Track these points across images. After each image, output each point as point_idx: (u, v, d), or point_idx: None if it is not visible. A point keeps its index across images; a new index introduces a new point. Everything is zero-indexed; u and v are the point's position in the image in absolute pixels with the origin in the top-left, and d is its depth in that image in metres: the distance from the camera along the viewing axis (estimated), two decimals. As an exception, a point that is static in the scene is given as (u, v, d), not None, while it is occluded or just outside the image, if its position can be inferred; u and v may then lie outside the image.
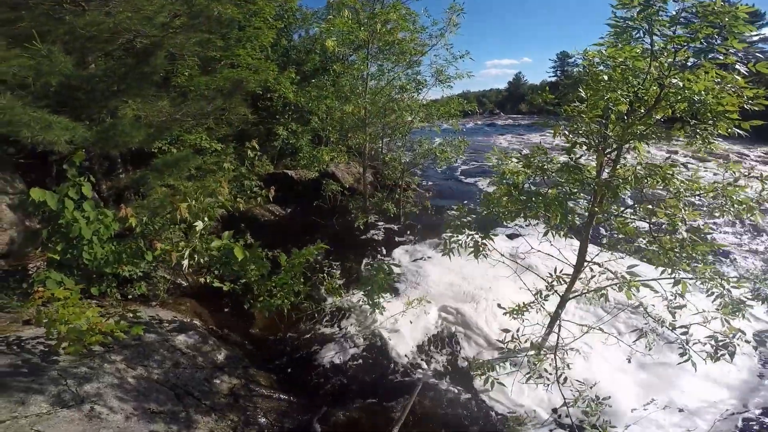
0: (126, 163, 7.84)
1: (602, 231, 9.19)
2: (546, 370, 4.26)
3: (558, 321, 4.68)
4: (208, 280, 5.75)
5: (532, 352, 4.33)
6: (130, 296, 5.33)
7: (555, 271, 4.50)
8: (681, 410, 4.57)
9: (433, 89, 10.06)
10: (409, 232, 9.95)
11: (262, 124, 11.80)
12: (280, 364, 5.31)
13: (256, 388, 4.54)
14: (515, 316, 4.64)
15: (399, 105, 9.33)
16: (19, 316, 4.25)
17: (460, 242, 4.41)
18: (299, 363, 5.35)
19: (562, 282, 4.50)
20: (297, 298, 5.54)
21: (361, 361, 5.39)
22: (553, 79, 60.19)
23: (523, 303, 4.75)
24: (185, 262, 5.30)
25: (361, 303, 6.18)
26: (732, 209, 3.44)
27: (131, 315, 4.50)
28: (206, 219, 5.70)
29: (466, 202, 4.76)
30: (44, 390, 3.18)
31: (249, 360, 5.08)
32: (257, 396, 4.39)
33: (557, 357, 4.23)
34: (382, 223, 10.25)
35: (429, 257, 8.38)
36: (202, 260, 5.62)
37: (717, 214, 3.60)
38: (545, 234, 4.24)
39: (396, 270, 6.35)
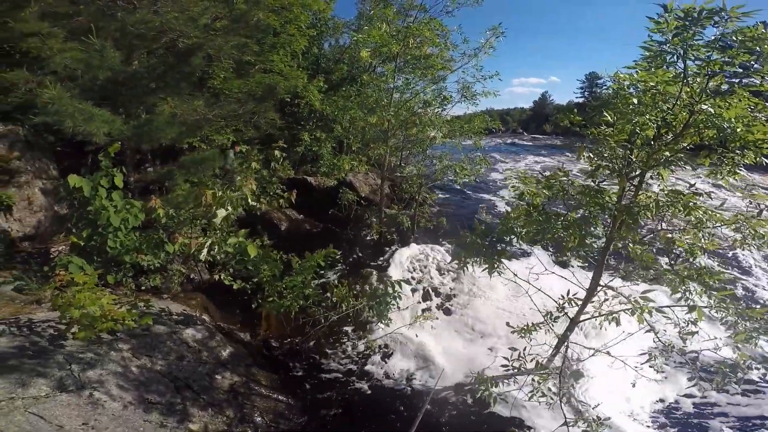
0: (155, 158, 8.14)
1: (616, 259, 8.89)
2: (550, 389, 4.14)
3: (566, 342, 4.54)
4: (222, 277, 5.84)
5: (538, 372, 4.22)
6: (143, 287, 5.46)
7: (567, 294, 4.39)
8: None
9: (457, 105, 9.91)
10: (422, 247, 9.87)
11: (288, 130, 12.02)
12: (283, 365, 5.31)
13: (257, 387, 4.54)
14: (523, 335, 4.54)
15: (421, 119, 9.32)
16: (35, 298, 4.38)
17: (474, 261, 4.38)
18: (302, 366, 5.34)
19: (574, 305, 4.38)
20: (306, 301, 5.55)
21: (363, 369, 5.35)
22: (581, 100, 58.53)
23: (532, 323, 4.64)
24: (204, 253, 5.41)
25: (368, 314, 6.14)
26: (753, 242, 3.30)
27: (143, 305, 4.58)
28: (229, 208, 5.78)
29: (484, 225, 4.75)
30: (47, 373, 3.21)
31: (253, 359, 5.10)
32: (256, 395, 4.39)
33: (562, 377, 4.11)
34: (396, 236, 10.21)
35: (442, 272, 8.28)
36: (218, 256, 5.73)
37: (738, 246, 3.46)
38: (561, 256, 4.15)
39: (404, 285, 6.29)
